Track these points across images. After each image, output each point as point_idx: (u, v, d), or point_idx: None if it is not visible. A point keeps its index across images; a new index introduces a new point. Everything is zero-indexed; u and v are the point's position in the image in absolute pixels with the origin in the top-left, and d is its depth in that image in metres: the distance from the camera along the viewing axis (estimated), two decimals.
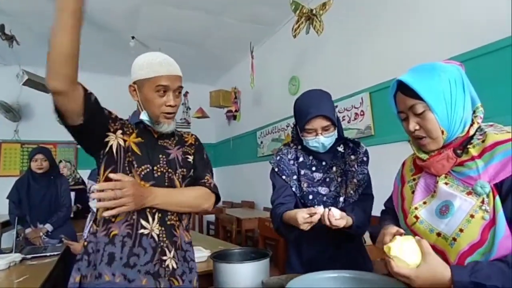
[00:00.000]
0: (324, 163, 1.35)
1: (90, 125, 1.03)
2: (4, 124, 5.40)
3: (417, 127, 0.83)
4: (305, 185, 1.33)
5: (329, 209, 1.12)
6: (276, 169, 1.38)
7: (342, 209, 1.21)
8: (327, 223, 1.11)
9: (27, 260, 2.09)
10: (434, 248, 0.76)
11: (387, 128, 2.84)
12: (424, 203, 0.84)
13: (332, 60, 3.57)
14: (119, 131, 1.13)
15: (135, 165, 1.10)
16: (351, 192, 1.30)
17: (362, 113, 3.12)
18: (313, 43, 3.53)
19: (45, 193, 2.83)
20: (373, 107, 3.01)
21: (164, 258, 1.08)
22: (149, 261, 1.04)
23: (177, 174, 1.18)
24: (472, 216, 0.74)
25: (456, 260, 0.74)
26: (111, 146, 1.10)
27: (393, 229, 0.85)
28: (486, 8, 2.13)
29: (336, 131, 1.30)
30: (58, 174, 2.98)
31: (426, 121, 0.81)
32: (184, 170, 1.21)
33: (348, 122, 3.27)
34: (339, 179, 1.33)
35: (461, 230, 0.74)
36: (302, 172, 1.35)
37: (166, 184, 1.15)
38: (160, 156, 1.16)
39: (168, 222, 1.11)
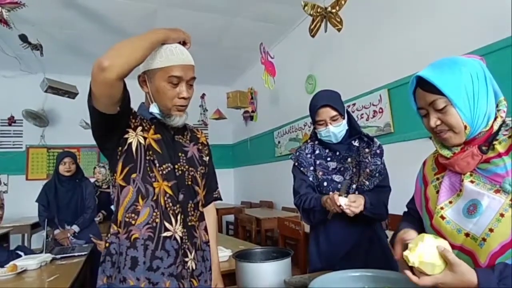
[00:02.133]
0: (338, 153, 1.46)
1: (124, 115, 1.01)
2: (31, 130, 5.64)
3: (439, 123, 0.81)
4: (321, 173, 1.46)
5: (336, 193, 1.27)
6: (296, 163, 1.53)
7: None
8: (337, 208, 1.25)
9: (57, 260, 2.18)
10: (462, 249, 0.74)
11: (407, 125, 2.79)
12: (450, 202, 0.81)
13: (349, 57, 3.53)
14: (139, 128, 1.08)
15: (157, 164, 1.06)
16: (364, 180, 1.40)
17: (381, 110, 3.07)
18: (329, 41, 3.51)
19: (71, 195, 2.94)
20: (392, 104, 2.96)
21: (186, 259, 1.07)
22: (173, 263, 1.03)
23: (198, 172, 1.18)
24: (502, 215, 0.71)
25: (486, 261, 0.72)
26: (130, 144, 1.05)
27: (406, 234, 0.83)
28: (503, 2, 2.06)
29: (345, 122, 1.43)
30: (83, 177, 3.08)
31: (448, 116, 0.79)
32: (203, 168, 1.21)
33: (367, 119, 3.23)
34: (353, 169, 1.44)
35: (491, 230, 0.72)
36: (318, 162, 1.48)
37: (190, 183, 1.13)
38: (180, 154, 1.13)
39: (189, 224, 1.10)
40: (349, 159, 1.45)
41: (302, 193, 1.46)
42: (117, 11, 3.89)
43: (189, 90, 1.08)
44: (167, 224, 1.04)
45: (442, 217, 0.81)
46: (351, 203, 1.25)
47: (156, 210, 1.03)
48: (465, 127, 0.78)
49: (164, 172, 1.06)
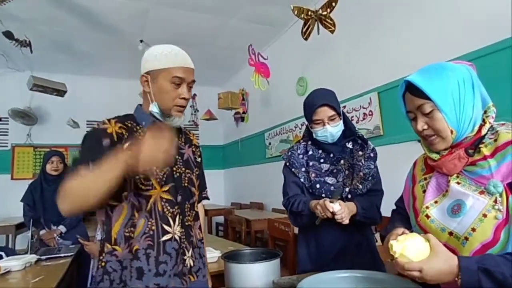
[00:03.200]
0: (331, 155, 1.44)
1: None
2: (17, 128, 5.52)
3: (426, 127, 0.83)
4: (313, 175, 1.43)
5: (327, 200, 1.25)
6: (288, 163, 1.51)
7: (348, 199, 1.34)
8: (328, 214, 1.23)
9: (42, 261, 2.14)
10: (446, 247, 0.76)
11: (396, 128, 2.83)
12: (436, 202, 0.84)
13: (340, 60, 3.57)
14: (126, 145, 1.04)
15: (156, 170, 1.07)
16: (357, 184, 1.38)
17: (370, 113, 3.11)
18: (321, 44, 3.53)
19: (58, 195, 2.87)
20: (382, 107, 2.99)
21: (185, 257, 1.11)
22: (175, 263, 1.07)
23: (194, 174, 1.21)
24: (484, 215, 0.74)
25: None
26: None
27: (400, 230, 0.85)
28: (496, 6, 2.11)
29: (341, 121, 1.41)
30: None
31: (434, 120, 0.81)
32: (197, 169, 1.25)
33: (357, 122, 3.26)
34: (346, 172, 1.42)
35: (473, 230, 0.74)
36: (311, 163, 1.45)
37: (186, 184, 1.16)
38: (177, 157, 1.16)
39: (186, 224, 1.13)
40: (342, 161, 1.43)
41: (290, 194, 1.46)
42: (108, 9, 3.84)
43: (189, 92, 1.13)
44: (166, 227, 1.07)
45: (427, 216, 0.84)
46: (337, 213, 1.22)
47: (150, 219, 1.05)
48: (451, 131, 0.81)
49: (162, 177, 1.08)
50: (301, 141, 1.54)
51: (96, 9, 3.85)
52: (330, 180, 1.42)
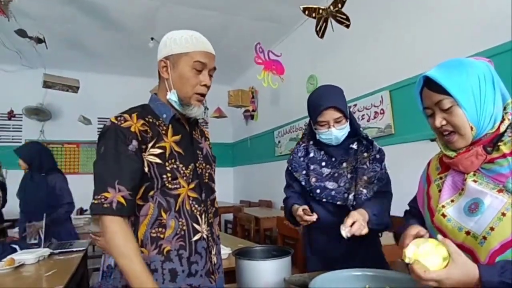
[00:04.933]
0: (334, 159, 1.37)
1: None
2: (30, 124, 5.62)
3: (444, 123, 0.81)
4: (313, 179, 1.37)
5: (300, 208, 1.26)
6: (290, 168, 1.46)
7: (354, 207, 1.27)
8: (305, 223, 1.24)
9: (55, 255, 2.17)
10: (462, 247, 0.74)
11: (408, 127, 2.79)
12: (452, 201, 0.82)
13: (351, 58, 3.53)
14: (151, 143, 0.98)
15: (181, 171, 1.01)
16: (361, 189, 1.30)
17: (382, 111, 3.07)
18: (331, 41, 3.50)
19: (37, 190, 2.79)
20: (394, 105, 2.96)
21: (211, 255, 1.08)
22: (205, 262, 1.05)
23: (213, 169, 1.16)
24: (503, 214, 0.72)
25: (486, 259, 0.73)
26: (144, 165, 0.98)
27: (414, 230, 0.83)
28: (509, 3, 2.06)
29: (348, 123, 1.33)
30: (51, 171, 2.89)
31: (454, 117, 0.79)
32: (214, 165, 1.19)
33: (368, 121, 3.23)
34: (349, 175, 1.34)
35: (492, 229, 0.72)
36: (312, 167, 1.39)
37: (207, 180, 1.11)
38: (198, 152, 1.10)
39: (210, 221, 1.10)
40: (344, 164, 1.36)
41: (286, 195, 1.46)
42: (118, 7, 3.88)
43: (210, 79, 1.07)
44: (196, 226, 1.03)
45: (443, 215, 0.82)
46: (353, 229, 1.12)
47: (181, 219, 1.00)
48: (471, 128, 0.79)
49: (189, 174, 1.03)
50: (301, 142, 1.47)
51: (106, 7, 3.89)
52: (330, 185, 1.34)
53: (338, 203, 1.32)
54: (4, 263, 1.84)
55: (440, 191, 0.86)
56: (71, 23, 4.22)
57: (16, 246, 2.19)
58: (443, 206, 0.82)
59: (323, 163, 1.38)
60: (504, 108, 0.81)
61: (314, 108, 1.34)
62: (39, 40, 3.81)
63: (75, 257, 2.13)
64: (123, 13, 4.01)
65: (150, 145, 0.98)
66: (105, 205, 0.89)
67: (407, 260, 0.74)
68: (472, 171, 0.80)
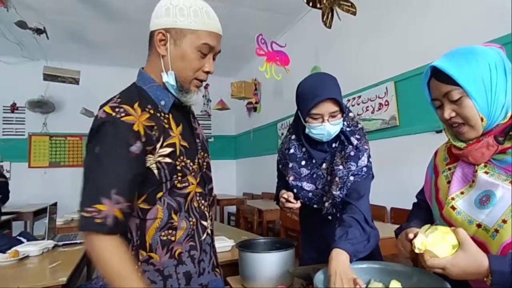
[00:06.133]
0: (314, 160, 1.25)
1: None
2: (34, 117, 5.63)
3: (453, 114, 0.79)
4: (291, 178, 1.27)
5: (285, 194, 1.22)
6: (278, 158, 1.40)
7: (332, 214, 1.20)
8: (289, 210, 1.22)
9: (59, 247, 2.18)
10: (473, 240, 0.73)
11: (413, 119, 2.75)
12: (462, 193, 0.80)
13: (355, 49, 3.48)
14: (160, 140, 0.85)
15: (190, 167, 0.91)
16: (333, 192, 1.17)
17: (386, 103, 3.03)
18: (335, 32, 3.44)
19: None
20: (398, 97, 2.92)
21: (215, 250, 1.04)
22: (210, 258, 1.00)
23: (209, 157, 1.05)
24: None
25: (498, 252, 0.71)
26: (148, 168, 0.84)
27: (415, 230, 0.82)
28: None
29: (342, 119, 1.17)
30: None
31: (463, 108, 0.77)
32: (209, 151, 1.08)
33: (372, 112, 3.19)
34: (328, 177, 1.22)
35: (504, 221, 0.70)
36: (290, 165, 1.28)
37: (205, 170, 1.00)
38: (197, 140, 0.98)
39: (210, 212, 1.02)
40: (324, 165, 1.24)
41: (277, 185, 1.46)
42: None
43: (213, 65, 0.92)
44: (204, 223, 0.96)
45: (453, 208, 0.80)
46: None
47: (191, 219, 0.92)
48: (482, 119, 0.76)
49: (196, 169, 0.93)
50: (288, 133, 1.36)
51: None
52: (307, 186, 1.25)
53: (315, 206, 1.24)
54: (9, 255, 1.85)
55: (449, 182, 0.84)
56: (73, 15, 4.19)
57: (24, 239, 2.20)
58: (453, 199, 0.80)
59: (303, 162, 1.27)
60: None
61: (307, 99, 1.16)
62: (40, 31, 3.77)
63: (79, 249, 2.14)
64: (125, 4, 3.97)
65: (158, 145, 0.84)
66: (97, 220, 0.74)
67: (416, 251, 0.73)
68: (482, 163, 0.78)
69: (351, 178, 1.16)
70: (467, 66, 0.76)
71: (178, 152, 0.87)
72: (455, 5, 2.44)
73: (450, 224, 0.80)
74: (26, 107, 5.46)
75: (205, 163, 1.00)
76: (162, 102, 0.89)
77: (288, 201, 1.21)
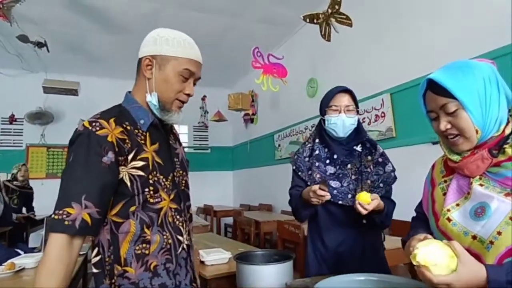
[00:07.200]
0: (336, 156, 1.40)
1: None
2: (31, 128, 5.63)
3: (449, 126, 0.80)
4: (317, 176, 1.39)
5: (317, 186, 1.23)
6: (294, 167, 1.48)
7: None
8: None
9: None
10: (468, 251, 0.73)
11: (409, 130, 2.78)
12: (457, 205, 0.81)
13: (352, 61, 3.53)
14: (132, 154, 0.91)
15: (162, 183, 0.96)
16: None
17: (383, 114, 3.06)
18: (332, 44, 3.51)
19: None
20: (395, 108, 2.95)
21: (192, 264, 1.05)
22: (186, 271, 1.02)
23: (187, 176, 1.11)
24: (511, 218, 0.71)
25: (494, 264, 0.71)
26: (121, 179, 0.90)
27: (421, 236, 0.82)
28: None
29: (356, 118, 1.38)
30: None
31: (459, 120, 0.78)
32: (188, 170, 1.13)
33: (369, 124, 3.22)
34: (353, 177, 1.37)
35: (499, 233, 0.71)
36: (316, 164, 1.41)
37: (183, 187, 1.05)
38: (175, 160, 1.05)
39: (188, 228, 1.06)
40: (349, 165, 1.39)
41: (291, 194, 1.47)
42: (120, 10, 3.90)
43: (193, 88, 1.02)
44: (179, 237, 1.00)
45: (449, 219, 0.80)
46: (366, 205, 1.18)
47: (164, 233, 0.96)
48: (477, 131, 0.78)
49: (169, 185, 0.98)
50: (307, 142, 1.50)
51: (106, 10, 3.91)
52: (334, 183, 1.36)
53: (340, 202, 1.33)
54: (4, 268, 1.83)
55: (444, 194, 0.85)
56: (72, 27, 4.24)
57: (19, 250, 2.18)
58: (448, 210, 0.81)
59: (328, 161, 1.41)
60: (509, 111, 0.80)
61: (327, 96, 1.41)
62: (41, 45, 3.82)
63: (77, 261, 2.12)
64: (124, 16, 4.03)
65: (130, 157, 0.90)
66: (66, 222, 0.79)
67: (415, 263, 0.73)
68: (477, 175, 0.79)
69: (385, 186, 1.34)
70: (464, 79, 0.78)
71: (151, 167, 0.93)
72: (451, 18, 2.50)
73: (446, 236, 0.80)
74: (25, 119, 5.46)
75: (183, 181, 1.06)
76: (142, 121, 0.98)
77: (321, 189, 1.23)
